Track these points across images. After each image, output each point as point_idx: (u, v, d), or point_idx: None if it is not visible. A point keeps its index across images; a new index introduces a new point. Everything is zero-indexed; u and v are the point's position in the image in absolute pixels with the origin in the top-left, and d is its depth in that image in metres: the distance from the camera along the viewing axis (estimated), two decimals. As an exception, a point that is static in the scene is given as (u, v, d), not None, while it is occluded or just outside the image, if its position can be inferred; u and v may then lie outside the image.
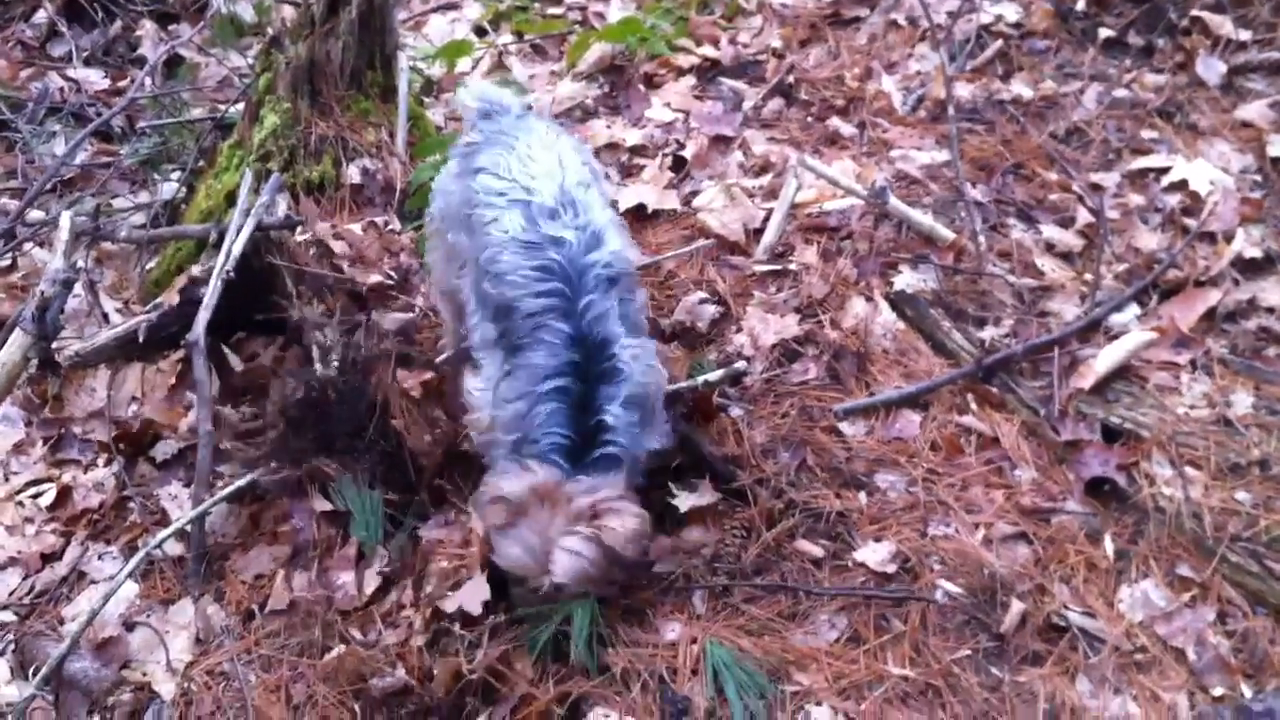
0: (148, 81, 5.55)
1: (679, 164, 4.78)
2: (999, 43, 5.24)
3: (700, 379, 3.60)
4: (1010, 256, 4.16)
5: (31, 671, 3.10)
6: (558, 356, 2.90)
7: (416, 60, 5.48)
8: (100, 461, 3.80)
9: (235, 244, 3.75)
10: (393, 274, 4.07)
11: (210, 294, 3.66)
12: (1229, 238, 4.11)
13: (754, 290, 4.06)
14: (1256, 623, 3.03)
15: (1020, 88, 4.99)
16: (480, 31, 6.09)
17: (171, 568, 3.42)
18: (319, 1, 4.43)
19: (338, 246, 4.09)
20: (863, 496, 3.39)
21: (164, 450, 3.78)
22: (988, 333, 3.89)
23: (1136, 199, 4.39)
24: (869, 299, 3.96)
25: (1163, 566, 3.17)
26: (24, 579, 3.47)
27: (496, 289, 3.00)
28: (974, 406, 3.64)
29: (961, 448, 3.52)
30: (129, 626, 3.24)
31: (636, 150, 4.91)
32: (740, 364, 3.72)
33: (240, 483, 3.48)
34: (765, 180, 4.59)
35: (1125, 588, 3.13)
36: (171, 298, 3.85)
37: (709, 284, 4.08)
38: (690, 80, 5.31)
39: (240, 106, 4.77)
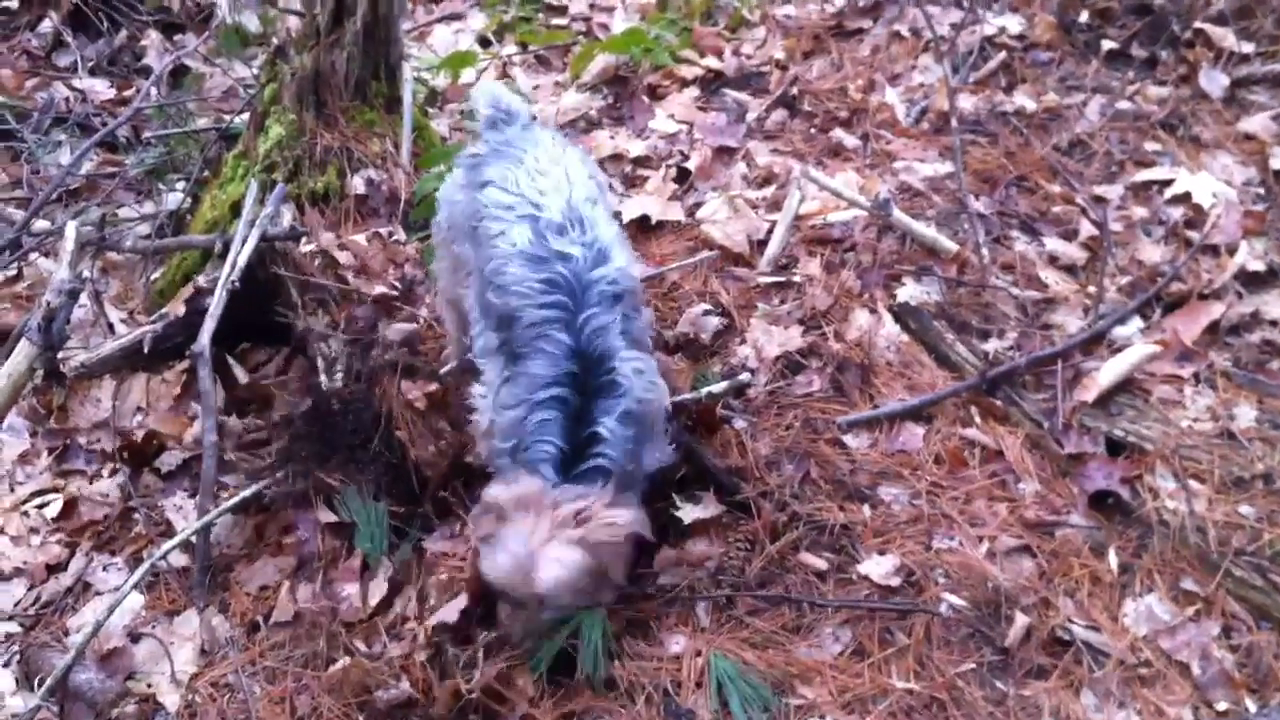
0: (153, 91, 5.56)
1: (683, 175, 4.79)
2: (1002, 55, 5.25)
3: (704, 391, 3.62)
4: (1014, 269, 4.17)
5: (37, 682, 3.09)
6: (557, 366, 2.90)
7: (421, 71, 5.49)
8: (105, 472, 3.81)
9: (240, 254, 3.76)
10: (397, 285, 4.07)
11: (215, 304, 3.68)
12: (1232, 251, 4.12)
13: (758, 302, 4.06)
14: (1261, 637, 3.03)
15: (1023, 100, 4.99)
16: (484, 42, 6.11)
17: (176, 579, 3.42)
18: (324, 12, 4.43)
19: (342, 257, 4.10)
20: (867, 509, 3.39)
21: (169, 461, 3.79)
22: (991, 345, 3.89)
23: (1140, 211, 4.40)
24: (873, 311, 3.96)
25: (1167, 580, 3.17)
26: (29, 590, 3.48)
27: (500, 299, 3.00)
28: (978, 419, 3.64)
29: (965, 461, 3.52)
30: (134, 638, 3.25)
31: (640, 161, 4.92)
32: (744, 376, 3.73)
33: (245, 494, 3.49)
34: (769, 192, 4.60)
35: (1129, 601, 3.13)
36: (177, 308, 3.87)
37: (713, 295, 4.08)
38: (694, 91, 5.32)
39: (245, 117, 4.77)
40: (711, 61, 5.50)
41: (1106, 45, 5.25)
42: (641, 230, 4.46)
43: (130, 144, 5.44)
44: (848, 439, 3.60)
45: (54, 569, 3.53)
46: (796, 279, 4.13)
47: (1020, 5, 5.54)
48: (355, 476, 3.49)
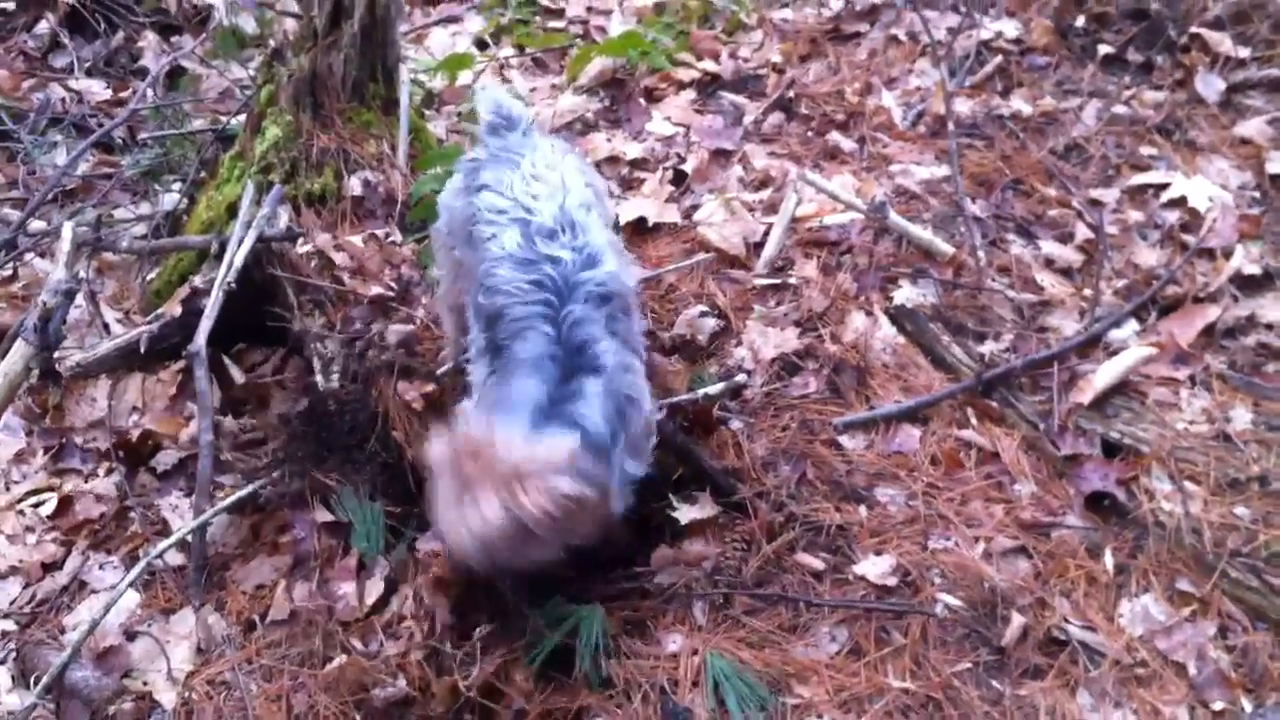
0: (149, 93, 5.55)
1: (679, 178, 4.79)
2: (999, 59, 5.26)
3: (700, 392, 3.62)
4: (1010, 272, 4.18)
5: (33, 680, 3.09)
6: (538, 348, 2.84)
7: (418, 73, 5.49)
8: (101, 471, 3.80)
9: (237, 255, 3.76)
10: (394, 286, 4.07)
11: (212, 304, 3.67)
12: (1228, 254, 4.13)
13: (754, 304, 4.06)
14: (1256, 637, 3.04)
15: (1020, 104, 5.00)
16: (481, 45, 6.11)
17: (172, 577, 3.42)
18: (321, 14, 4.43)
19: (339, 258, 4.10)
20: (863, 510, 3.39)
21: (165, 460, 3.78)
22: (987, 347, 3.90)
23: (1136, 215, 4.41)
24: (869, 313, 3.97)
25: (1163, 581, 3.18)
26: (25, 588, 3.47)
27: (489, 300, 2.99)
28: (974, 421, 3.65)
29: (961, 462, 3.52)
30: (130, 636, 3.25)
31: (637, 164, 4.92)
32: (740, 377, 3.74)
33: (241, 493, 3.50)
34: (765, 194, 4.60)
35: (1125, 602, 3.14)
36: (173, 308, 3.87)
37: (709, 297, 4.08)
38: (691, 94, 5.32)
39: (242, 118, 4.77)
40: (708, 64, 5.50)
41: (1103, 50, 5.26)
42: (638, 232, 4.47)
43: (126, 145, 5.44)
44: (844, 440, 3.60)
45: (50, 567, 3.53)
46: (793, 281, 4.13)
47: (1017, 10, 5.55)
48: (352, 476, 3.50)
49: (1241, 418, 3.58)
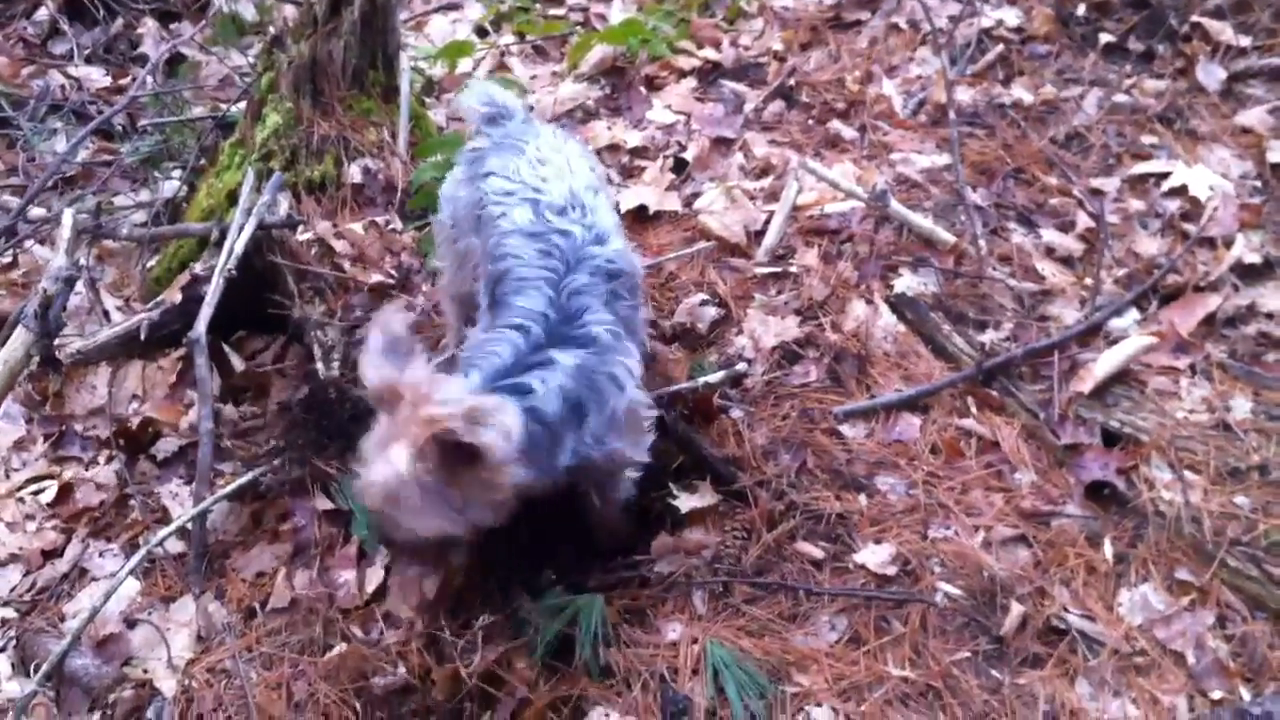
0: (149, 80, 5.55)
1: (680, 166, 4.79)
2: (1000, 47, 5.25)
3: (701, 380, 3.62)
4: (1010, 260, 4.17)
5: (33, 668, 3.10)
6: (532, 304, 2.82)
7: (418, 60, 5.48)
8: (101, 459, 3.81)
9: (237, 242, 3.76)
10: (394, 273, 4.08)
11: (212, 292, 3.68)
12: (1228, 243, 4.12)
13: (755, 292, 4.06)
14: (1255, 627, 3.04)
15: (1021, 92, 4.99)
16: (481, 32, 6.10)
17: (173, 565, 3.42)
18: (321, 1, 4.43)
19: (339, 245, 4.10)
20: (863, 499, 3.39)
21: (165, 448, 3.79)
22: (988, 336, 3.90)
23: (1136, 204, 4.40)
24: (869, 302, 3.97)
25: (1162, 570, 3.18)
26: (25, 575, 3.48)
27: (495, 265, 3.00)
28: (974, 410, 3.64)
29: (961, 451, 3.52)
30: (130, 624, 3.25)
31: (638, 152, 4.92)
32: (741, 366, 3.74)
33: (242, 481, 3.50)
34: (766, 183, 4.60)
35: (1125, 591, 3.14)
36: (174, 295, 3.86)
37: (710, 286, 4.08)
38: (691, 82, 5.32)
39: (242, 105, 4.77)
40: (709, 53, 5.50)
41: (1104, 38, 5.25)
42: (639, 220, 4.46)
43: (126, 132, 5.43)
44: (844, 429, 3.60)
45: (50, 555, 3.53)
46: (794, 269, 4.13)
47: (1018, -2, 5.55)
48: (352, 464, 3.49)
49: (1242, 407, 3.58)
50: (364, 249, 4.11)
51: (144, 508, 3.61)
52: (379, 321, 2.62)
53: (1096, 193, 4.44)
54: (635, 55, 5.51)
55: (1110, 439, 3.53)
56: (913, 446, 3.54)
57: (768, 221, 4.31)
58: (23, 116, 5.53)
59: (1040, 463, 3.49)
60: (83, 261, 4.04)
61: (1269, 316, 3.89)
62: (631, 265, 3.08)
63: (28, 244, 4.70)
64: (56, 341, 3.73)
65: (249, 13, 6.05)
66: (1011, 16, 5.40)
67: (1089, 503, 3.38)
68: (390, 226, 4.30)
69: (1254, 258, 4.07)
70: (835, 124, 4.93)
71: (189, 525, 3.38)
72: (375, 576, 3.28)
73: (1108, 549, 3.24)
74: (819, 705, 2.87)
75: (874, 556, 3.23)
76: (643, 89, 5.33)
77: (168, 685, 3.09)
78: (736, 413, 3.63)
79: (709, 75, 5.40)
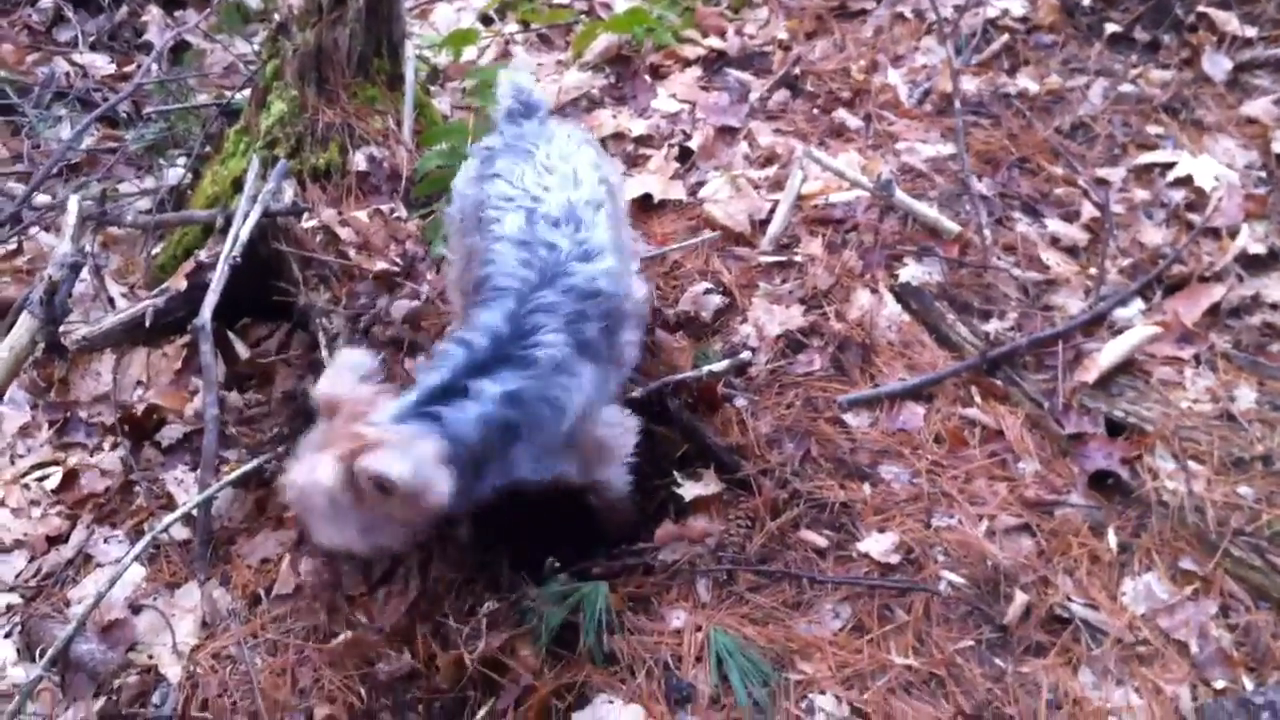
0: (154, 67, 5.55)
1: (685, 154, 4.78)
2: (1005, 37, 5.23)
3: (705, 369, 3.62)
4: (1015, 250, 4.17)
5: (38, 653, 3.11)
6: (491, 317, 2.80)
7: (423, 48, 5.47)
8: (106, 445, 3.81)
9: (242, 229, 3.76)
10: (399, 261, 4.07)
11: (217, 279, 3.68)
12: (1233, 233, 4.12)
13: (759, 281, 4.06)
14: (1258, 616, 3.05)
15: (1026, 82, 4.98)
16: (486, 20, 6.09)
17: (177, 551, 3.43)
18: (326, -11, 4.44)
19: (344, 233, 4.10)
20: (867, 487, 3.40)
21: (169, 434, 3.79)
22: (992, 326, 3.90)
23: (1141, 194, 4.39)
24: (874, 291, 3.97)
25: (1165, 560, 3.18)
26: (30, 561, 3.49)
27: (480, 270, 3.00)
28: (978, 399, 3.64)
29: (965, 440, 3.52)
30: (135, 609, 3.26)
31: (642, 140, 4.91)
32: (745, 354, 3.74)
33: (246, 468, 3.51)
34: (771, 171, 4.59)
35: (1128, 580, 3.14)
36: (178, 282, 3.87)
37: (714, 274, 4.08)
38: (696, 71, 5.30)
39: (246, 93, 4.77)
40: (714, 41, 5.48)
41: (1109, 28, 5.23)
42: (643, 209, 4.46)
43: (131, 119, 5.44)
44: (848, 418, 3.60)
45: (54, 541, 3.54)
46: (798, 258, 4.12)
47: (1023, -13, 5.54)
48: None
49: (1246, 397, 3.58)
50: (369, 237, 4.11)
51: (149, 494, 3.62)
52: (348, 354, 2.71)
53: (1101, 182, 4.44)
54: (640, 44, 5.50)
55: (1114, 429, 3.53)
56: (916, 435, 3.54)
57: (772, 210, 4.31)
58: (28, 103, 5.53)
59: (1044, 452, 3.49)
60: (88, 248, 4.05)
61: (1273, 307, 3.89)
62: (616, 286, 2.98)
63: (32, 231, 4.70)
64: (62, 328, 3.74)
65: (253, 0, 6.04)
66: (1017, 6, 5.38)
67: (1093, 492, 3.38)
68: (395, 214, 4.30)
69: (1259, 248, 4.07)
70: (840, 113, 4.92)
71: (194, 512, 3.38)
72: (380, 563, 3.28)
73: (1111, 538, 3.25)
74: (822, 693, 2.88)
75: (877, 545, 3.23)
76: (648, 78, 5.32)
77: (173, 671, 3.10)
78: (740, 401, 3.63)
79: (714, 64, 5.39)
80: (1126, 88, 4.91)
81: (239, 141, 4.49)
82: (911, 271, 4.05)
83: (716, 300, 3.97)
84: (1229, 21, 5.07)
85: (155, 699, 3.04)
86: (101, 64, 5.99)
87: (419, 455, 2.43)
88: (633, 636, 3.00)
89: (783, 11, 5.65)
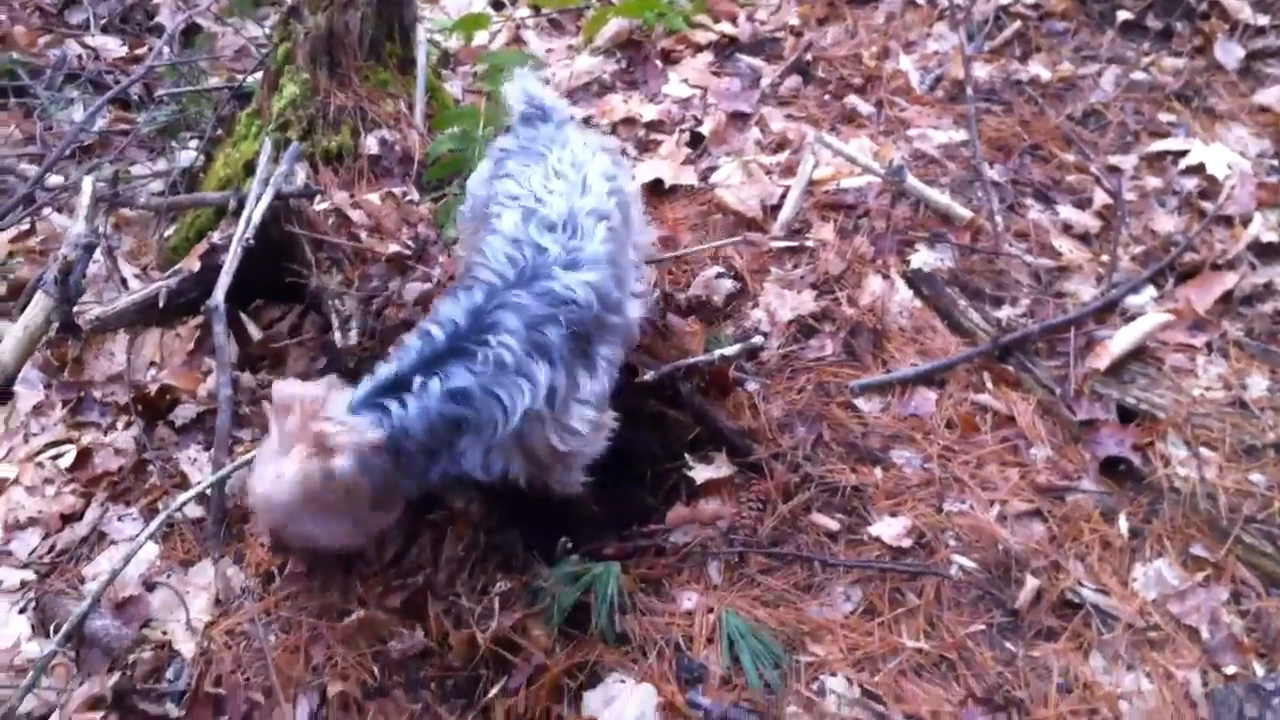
0: (165, 50, 5.55)
1: (696, 140, 4.79)
2: (1017, 24, 5.24)
3: (717, 353, 3.63)
4: (1027, 237, 4.17)
5: (53, 629, 3.11)
6: (452, 310, 2.79)
7: (434, 33, 5.48)
8: (120, 424, 3.80)
9: (255, 211, 3.77)
10: (411, 244, 4.08)
11: (230, 260, 3.68)
12: (1246, 221, 4.13)
13: (771, 266, 4.06)
14: (1270, 603, 3.06)
15: (1038, 69, 4.99)
16: (497, 5, 6.10)
17: (191, 530, 3.43)
18: (339, -28, 4.44)
19: (356, 216, 4.11)
20: (878, 472, 3.40)
21: (183, 414, 3.79)
22: (1004, 312, 3.90)
23: (1154, 181, 4.40)
24: (886, 277, 3.97)
25: (1177, 546, 3.19)
26: (44, 539, 3.48)
27: (471, 258, 3.03)
28: (990, 385, 3.65)
29: (977, 425, 3.53)
30: (149, 586, 3.26)
31: (654, 126, 4.92)
32: (757, 339, 3.74)
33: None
34: (782, 157, 4.59)
35: (1139, 566, 3.15)
36: (192, 263, 3.88)
37: (726, 259, 4.08)
38: (708, 57, 5.31)
39: (258, 76, 4.77)
40: (726, 27, 5.49)
41: (1122, 16, 5.24)
42: (655, 194, 4.46)
43: (143, 102, 5.44)
44: (860, 402, 3.61)
45: (69, 519, 3.53)
46: (810, 244, 4.13)
47: (1036, -25, 5.53)
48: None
49: (1258, 385, 3.59)
50: (381, 219, 4.12)
51: (162, 473, 3.62)
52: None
53: (1114, 170, 4.44)
54: (651, 29, 5.50)
55: (1126, 415, 3.53)
56: (928, 421, 3.55)
57: (784, 196, 4.31)
58: (40, 85, 5.53)
59: (1056, 438, 3.50)
60: (101, 229, 4.05)
61: (1285, 295, 3.90)
62: (595, 299, 2.90)
63: (45, 212, 4.70)
64: (75, 308, 3.75)
65: (265, -16, 6.05)
66: (1029, -7, 5.39)
67: (1104, 478, 3.39)
68: (407, 198, 4.31)
69: (1271, 236, 4.07)
70: (852, 99, 4.93)
71: (208, 491, 3.39)
72: (393, 542, 3.28)
73: (1123, 524, 3.25)
74: (833, 675, 2.89)
75: (889, 529, 3.24)
76: (659, 63, 5.33)
77: (187, 647, 3.10)
78: (752, 385, 3.64)
79: (725, 50, 5.39)
80: (1139, 75, 4.92)
81: (251, 124, 4.49)
82: (923, 257, 4.05)
83: (728, 285, 3.97)
84: (1241, 9, 5.08)
85: (169, 674, 3.04)
86: (113, 46, 5.99)
87: (364, 445, 2.54)
88: (644, 617, 3.01)
89: (794, -3, 5.65)
